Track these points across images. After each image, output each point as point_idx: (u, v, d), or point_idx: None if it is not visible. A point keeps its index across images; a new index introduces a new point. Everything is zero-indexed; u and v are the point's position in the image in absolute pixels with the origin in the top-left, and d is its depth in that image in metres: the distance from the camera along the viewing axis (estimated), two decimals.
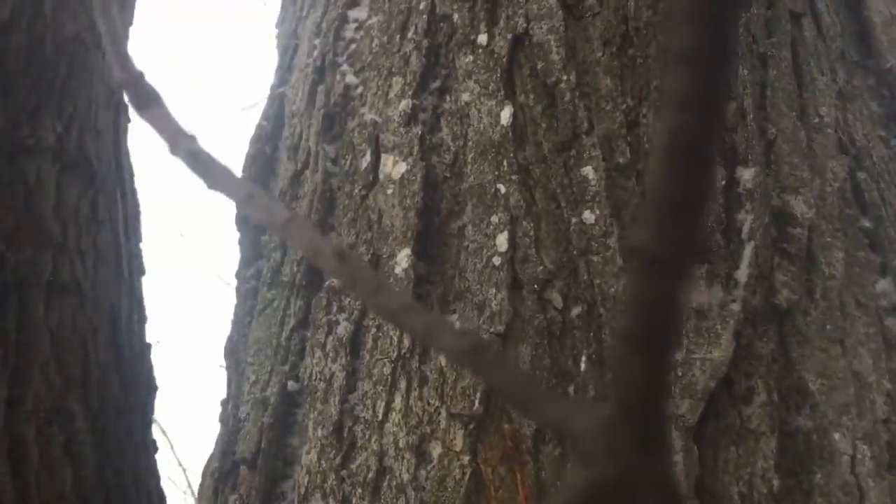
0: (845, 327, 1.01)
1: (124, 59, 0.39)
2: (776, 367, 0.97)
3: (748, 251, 1.02)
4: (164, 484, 1.47)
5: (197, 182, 0.42)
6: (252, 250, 1.34)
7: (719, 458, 0.94)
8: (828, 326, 1.00)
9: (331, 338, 1.14)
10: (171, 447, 4.06)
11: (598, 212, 1.05)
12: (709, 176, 0.24)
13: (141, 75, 0.40)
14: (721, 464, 0.94)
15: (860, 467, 0.94)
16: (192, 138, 0.41)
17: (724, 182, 1.05)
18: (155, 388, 1.48)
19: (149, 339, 1.50)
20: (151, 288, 1.52)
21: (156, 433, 1.53)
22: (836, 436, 0.95)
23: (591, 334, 1.00)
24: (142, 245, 1.46)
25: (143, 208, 1.47)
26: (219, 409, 1.31)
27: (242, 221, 1.36)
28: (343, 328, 1.14)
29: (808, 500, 0.92)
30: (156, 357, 1.50)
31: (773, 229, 1.03)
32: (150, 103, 0.40)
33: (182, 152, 0.40)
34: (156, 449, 1.47)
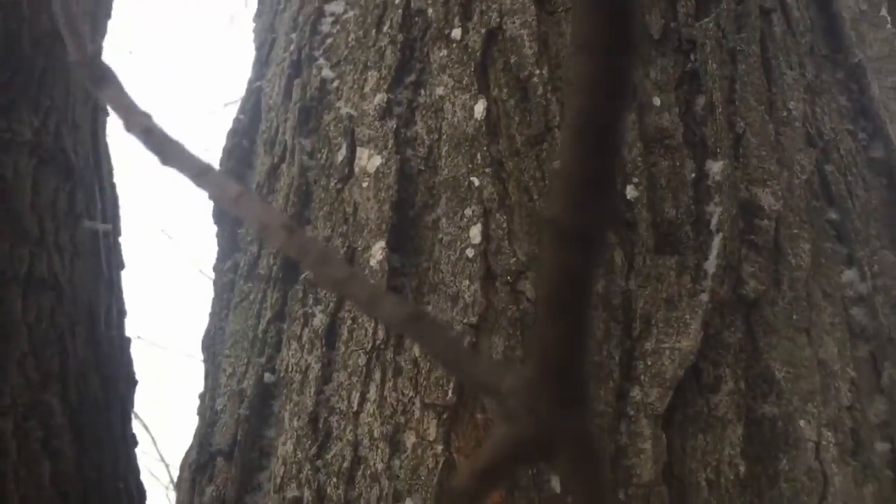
0: (811, 317, 1.02)
1: (78, 39, 0.40)
2: (743, 356, 0.99)
3: (717, 242, 1.03)
4: (145, 478, 1.48)
5: (152, 158, 0.43)
6: (229, 243, 1.34)
7: (687, 445, 0.95)
8: (794, 316, 1.02)
9: (307, 330, 1.15)
10: (154, 442, 4.05)
11: None
12: (612, 154, 0.26)
13: (95, 54, 0.41)
14: (689, 451, 0.95)
15: (825, 453, 0.95)
16: (147, 115, 0.42)
17: (693, 175, 1.07)
18: (135, 383, 1.48)
19: (130, 333, 1.50)
20: (132, 282, 1.53)
21: (137, 428, 1.54)
22: (802, 423, 0.96)
23: None
24: (121, 239, 1.46)
25: (121, 202, 1.47)
26: (198, 402, 1.32)
27: (220, 215, 1.37)
28: (319, 320, 1.14)
29: (773, 485, 0.94)
30: (139, 351, 1.50)
31: (741, 221, 1.04)
32: (104, 81, 0.41)
33: (136, 129, 0.41)
34: (135, 443, 1.47)
